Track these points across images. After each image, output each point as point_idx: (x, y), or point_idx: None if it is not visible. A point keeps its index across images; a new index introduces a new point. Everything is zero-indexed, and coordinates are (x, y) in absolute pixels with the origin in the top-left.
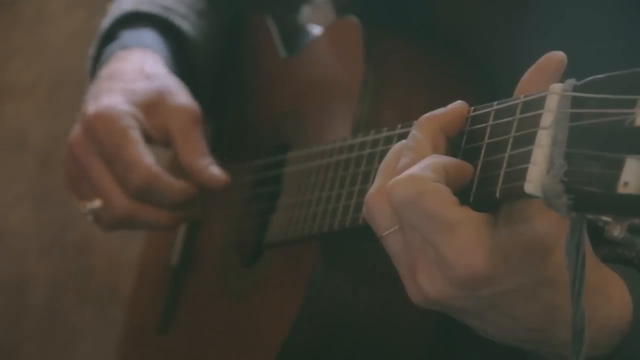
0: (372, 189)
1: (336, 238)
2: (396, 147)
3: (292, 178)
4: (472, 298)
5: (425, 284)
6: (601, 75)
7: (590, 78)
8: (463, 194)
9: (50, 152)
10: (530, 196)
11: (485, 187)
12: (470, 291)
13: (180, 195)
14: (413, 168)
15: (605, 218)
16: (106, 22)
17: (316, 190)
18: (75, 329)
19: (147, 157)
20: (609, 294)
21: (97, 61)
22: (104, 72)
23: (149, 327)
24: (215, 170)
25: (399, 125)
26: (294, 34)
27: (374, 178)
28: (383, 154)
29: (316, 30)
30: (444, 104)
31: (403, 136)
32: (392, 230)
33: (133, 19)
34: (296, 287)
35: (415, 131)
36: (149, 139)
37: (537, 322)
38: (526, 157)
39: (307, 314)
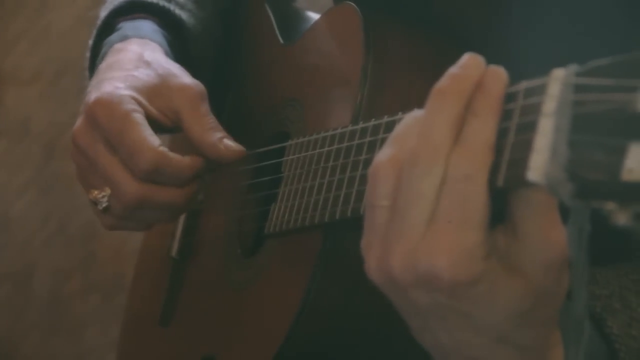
0: (383, 156)
1: (338, 228)
2: (410, 119)
3: (292, 166)
4: (430, 297)
5: (396, 265)
6: (603, 60)
7: (592, 63)
8: None
9: (54, 139)
10: (533, 184)
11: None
12: (433, 290)
13: (192, 168)
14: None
15: (610, 206)
16: (104, 11)
17: (317, 177)
18: (81, 316)
19: (152, 139)
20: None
21: (96, 51)
22: (104, 64)
23: (149, 319)
24: (230, 142)
25: (400, 112)
26: (291, 20)
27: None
28: (384, 141)
29: (314, 16)
30: None
31: None
32: (385, 204)
33: (132, 9)
34: (298, 278)
35: (432, 105)
36: (155, 124)
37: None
38: (529, 145)
39: (309, 305)
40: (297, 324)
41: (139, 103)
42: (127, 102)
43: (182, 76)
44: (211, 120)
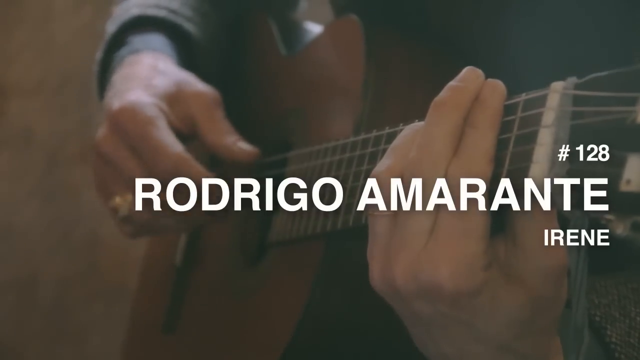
0: (383, 167)
1: (340, 237)
2: (409, 130)
3: (294, 177)
4: (432, 307)
5: (399, 275)
6: (602, 73)
7: (591, 75)
8: None
9: (57, 149)
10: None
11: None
12: (434, 300)
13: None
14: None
15: (608, 216)
16: (112, 26)
17: None
18: (84, 325)
19: (174, 143)
20: None
21: (105, 65)
22: (118, 76)
23: (153, 327)
24: (244, 145)
25: (401, 124)
26: (293, 32)
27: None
28: (385, 151)
29: (316, 28)
30: None
31: None
32: (386, 214)
33: (140, 23)
34: (300, 287)
35: (432, 117)
36: (174, 132)
37: None
38: (528, 156)
39: (311, 314)
40: (300, 331)
41: (162, 110)
42: (150, 109)
43: (196, 83)
44: (225, 124)
